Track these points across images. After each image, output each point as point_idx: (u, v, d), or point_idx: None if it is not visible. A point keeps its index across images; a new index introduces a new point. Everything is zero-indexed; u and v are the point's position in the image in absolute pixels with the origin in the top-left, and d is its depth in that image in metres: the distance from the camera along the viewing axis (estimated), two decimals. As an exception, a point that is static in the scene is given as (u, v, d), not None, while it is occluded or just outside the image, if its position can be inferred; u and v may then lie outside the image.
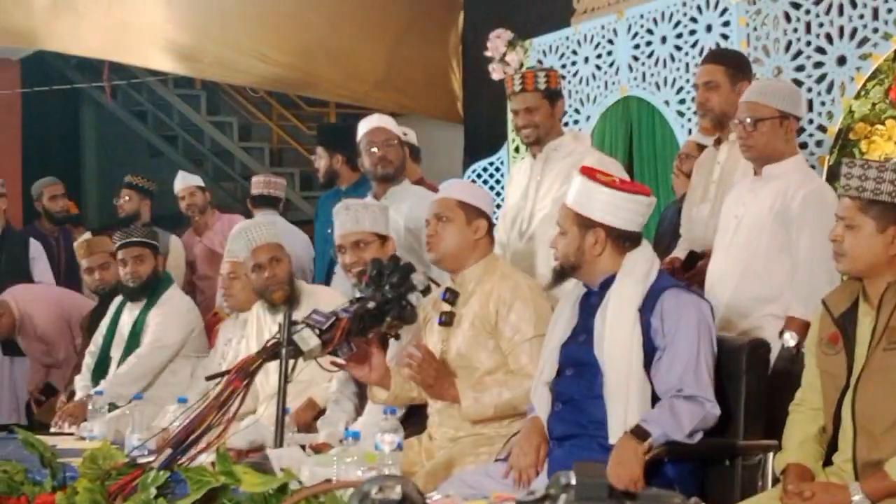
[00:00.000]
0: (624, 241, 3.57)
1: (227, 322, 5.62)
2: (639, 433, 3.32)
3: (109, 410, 5.17)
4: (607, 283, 3.56)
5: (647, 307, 3.46)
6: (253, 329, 5.11)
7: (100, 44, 8.90)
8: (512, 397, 3.88)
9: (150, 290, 5.92)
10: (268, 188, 7.20)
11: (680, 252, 4.78)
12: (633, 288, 3.49)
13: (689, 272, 4.59)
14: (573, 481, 1.55)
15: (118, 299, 6.14)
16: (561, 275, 3.67)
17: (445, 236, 4.09)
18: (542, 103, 4.87)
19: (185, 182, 7.78)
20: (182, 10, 9.15)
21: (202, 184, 7.88)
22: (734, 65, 4.64)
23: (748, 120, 4.14)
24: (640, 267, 3.54)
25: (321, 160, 6.33)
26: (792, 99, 4.20)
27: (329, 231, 5.79)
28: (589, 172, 3.63)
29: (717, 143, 4.75)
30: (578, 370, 3.54)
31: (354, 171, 6.06)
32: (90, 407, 4.92)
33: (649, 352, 3.44)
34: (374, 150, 5.32)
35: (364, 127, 5.47)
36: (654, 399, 3.43)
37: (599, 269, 3.58)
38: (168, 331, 5.78)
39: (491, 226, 4.18)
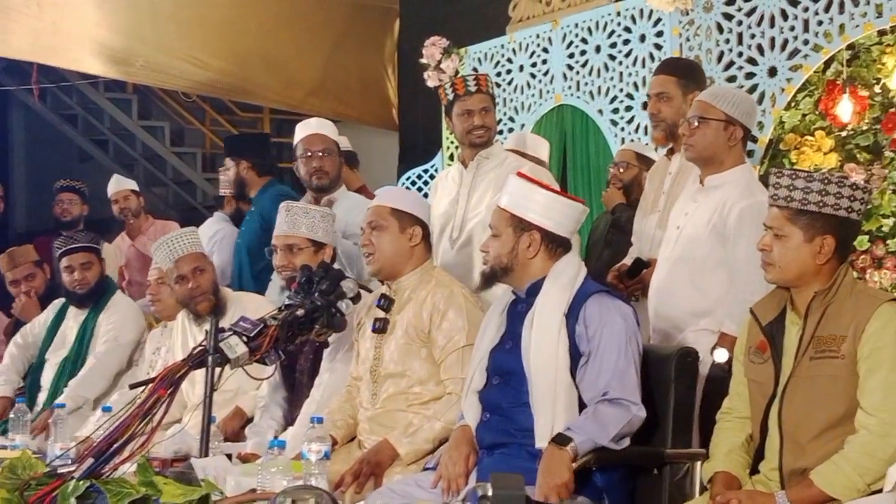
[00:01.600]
0: (557, 245, 3.58)
1: (154, 331, 5.54)
2: (561, 440, 3.30)
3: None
4: (534, 290, 3.56)
5: (572, 313, 3.46)
6: (178, 338, 5.03)
7: (29, 46, 8.76)
8: (444, 425, 3.84)
9: (98, 295, 5.85)
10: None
11: (627, 259, 4.79)
12: (559, 294, 3.49)
13: (633, 279, 4.59)
14: (490, 493, 1.52)
15: (58, 302, 6.04)
16: (490, 278, 3.65)
17: (381, 245, 4.05)
18: (493, 106, 4.90)
19: (119, 185, 7.69)
20: (114, 13, 9.04)
21: (136, 187, 7.79)
22: (686, 75, 4.63)
23: (694, 118, 4.13)
24: (567, 273, 3.54)
25: (229, 171, 6.20)
26: (743, 108, 4.16)
27: (239, 241, 5.96)
28: (526, 176, 3.64)
29: (670, 153, 4.73)
30: (505, 378, 3.53)
31: (261, 176, 6.09)
32: (11, 416, 4.81)
33: (575, 357, 3.44)
34: (312, 161, 5.26)
35: (301, 132, 5.41)
36: (582, 405, 3.42)
37: (529, 274, 3.58)
38: (123, 330, 5.73)
39: (427, 232, 4.15)
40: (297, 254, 4.50)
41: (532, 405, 3.44)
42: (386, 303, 4.06)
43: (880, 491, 2.94)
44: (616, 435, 3.33)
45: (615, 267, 4.72)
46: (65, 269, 5.87)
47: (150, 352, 5.46)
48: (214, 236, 6.29)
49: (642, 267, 4.53)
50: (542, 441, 3.39)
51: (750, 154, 5.97)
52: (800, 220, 3.17)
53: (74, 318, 5.93)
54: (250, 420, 4.71)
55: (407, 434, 3.86)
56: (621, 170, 6.11)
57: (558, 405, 3.40)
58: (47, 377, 5.90)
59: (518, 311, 3.60)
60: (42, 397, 5.76)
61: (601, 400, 3.37)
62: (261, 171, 6.09)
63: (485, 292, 4.11)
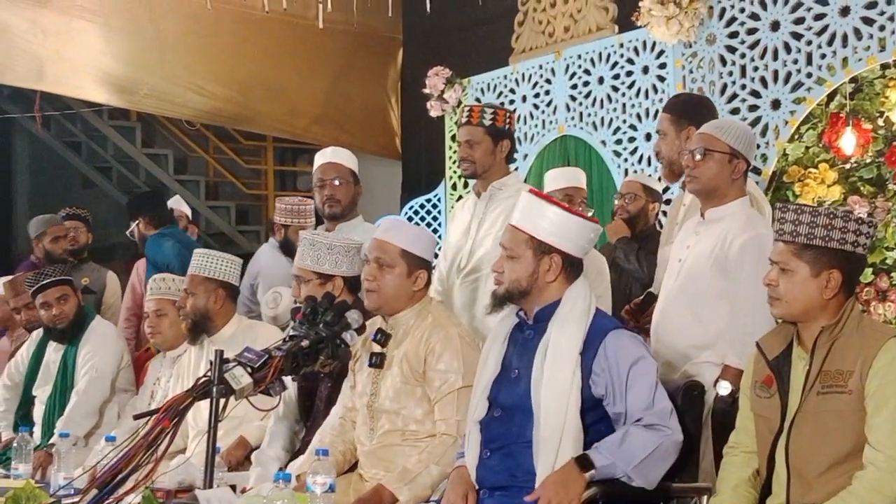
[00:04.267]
0: (574, 269, 3.53)
1: (155, 360, 5.54)
2: (583, 463, 3.27)
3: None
4: (543, 315, 3.49)
5: (587, 351, 3.40)
6: (189, 367, 5.04)
7: (33, 74, 8.78)
8: (441, 469, 3.79)
9: (77, 326, 5.87)
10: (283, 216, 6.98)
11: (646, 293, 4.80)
12: (575, 330, 3.43)
13: (644, 314, 4.58)
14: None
15: (37, 334, 6.05)
16: (504, 300, 3.56)
17: (384, 284, 4.01)
18: (485, 139, 4.86)
19: (180, 204, 7.90)
20: (118, 41, 9.06)
21: (189, 211, 7.87)
22: (679, 112, 4.60)
23: (698, 150, 4.13)
24: (580, 305, 3.47)
25: (132, 229, 6.79)
26: (746, 141, 4.16)
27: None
28: (539, 194, 3.59)
29: (685, 186, 4.73)
30: (508, 413, 3.47)
31: (155, 227, 6.69)
32: (15, 445, 4.80)
33: (587, 398, 3.39)
34: (325, 190, 5.28)
35: (318, 160, 5.42)
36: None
37: (544, 297, 3.51)
38: (102, 360, 5.73)
39: (430, 275, 4.12)
40: (303, 285, 4.51)
41: (535, 444, 3.38)
42: (382, 337, 4.03)
43: (888, 527, 2.93)
44: (643, 461, 3.27)
45: (631, 302, 4.73)
46: (41, 306, 5.89)
47: (151, 381, 5.46)
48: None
49: (653, 301, 4.53)
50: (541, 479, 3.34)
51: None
52: (806, 254, 3.17)
53: (55, 351, 5.93)
54: (254, 449, 4.69)
55: (406, 481, 3.80)
56: (627, 201, 6.10)
57: (564, 447, 3.34)
58: (38, 413, 5.91)
59: (526, 338, 3.53)
60: (36, 434, 5.73)
61: (635, 422, 3.34)
62: (157, 225, 6.69)
63: (482, 324, 4.08)
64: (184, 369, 5.08)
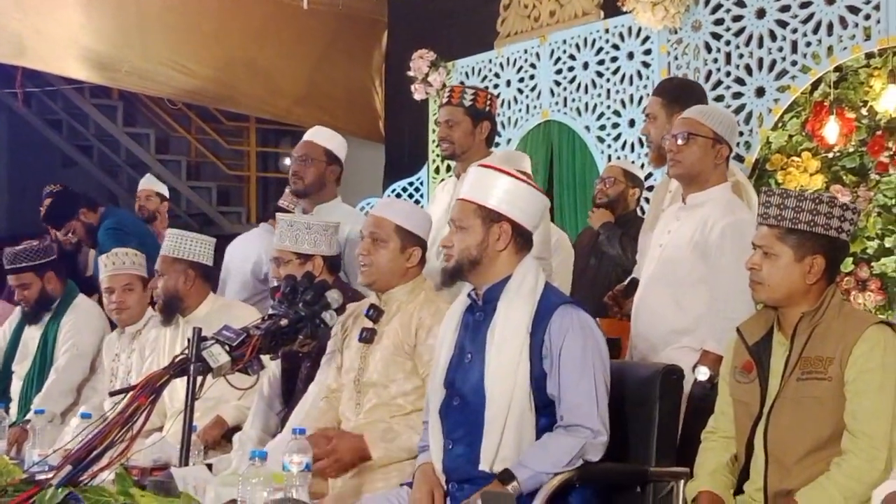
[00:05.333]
0: (523, 240, 3.45)
1: (110, 337, 5.49)
2: (505, 477, 3.21)
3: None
4: (492, 295, 3.42)
5: (536, 329, 3.33)
6: (164, 346, 5.02)
7: (13, 50, 8.71)
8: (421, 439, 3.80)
9: (44, 308, 5.90)
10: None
11: (629, 279, 4.79)
12: (522, 308, 3.35)
13: (627, 300, 4.57)
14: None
15: (18, 311, 6.05)
16: (454, 274, 3.47)
17: (378, 259, 3.99)
18: (464, 119, 4.85)
19: (146, 183, 7.86)
20: (100, 18, 8.99)
21: (165, 192, 7.89)
22: (669, 96, 4.60)
23: (681, 134, 4.12)
24: (529, 281, 3.39)
25: (75, 230, 6.80)
26: (728, 126, 4.17)
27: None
28: (488, 165, 3.53)
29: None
30: (465, 400, 3.39)
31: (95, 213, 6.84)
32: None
33: (538, 376, 3.31)
34: (293, 165, 5.27)
35: (304, 137, 5.43)
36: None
37: (495, 271, 3.43)
38: (82, 338, 5.71)
39: (424, 252, 4.09)
40: (282, 266, 4.49)
41: (484, 427, 3.31)
42: (375, 313, 4.01)
43: (865, 514, 2.93)
44: (567, 465, 3.22)
45: (615, 288, 4.72)
46: (14, 286, 5.97)
47: (109, 359, 5.41)
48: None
49: (637, 287, 4.52)
50: (484, 464, 3.30)
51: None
52: (790, 238, 3.16)
53: (36, 328, 5.93)
54: (231, 430, 4.67)
55: (385, 439, 3.81)
56: (607, 185, 6.10)
57: (509, 429, 3.28)
58: (16, 389, 5.89)
59: (476, 320, 3.46)
60: (13, 410, 5.71)
61: (557, 426, 3.28)
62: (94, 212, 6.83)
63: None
64: (158, 347, 5.05)
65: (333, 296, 3.88)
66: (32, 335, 5.92)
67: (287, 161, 5.38)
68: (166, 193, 7.93)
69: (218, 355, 3.51)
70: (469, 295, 3.52)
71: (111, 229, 6.79)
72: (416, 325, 3.91)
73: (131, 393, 3.35)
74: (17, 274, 5.90)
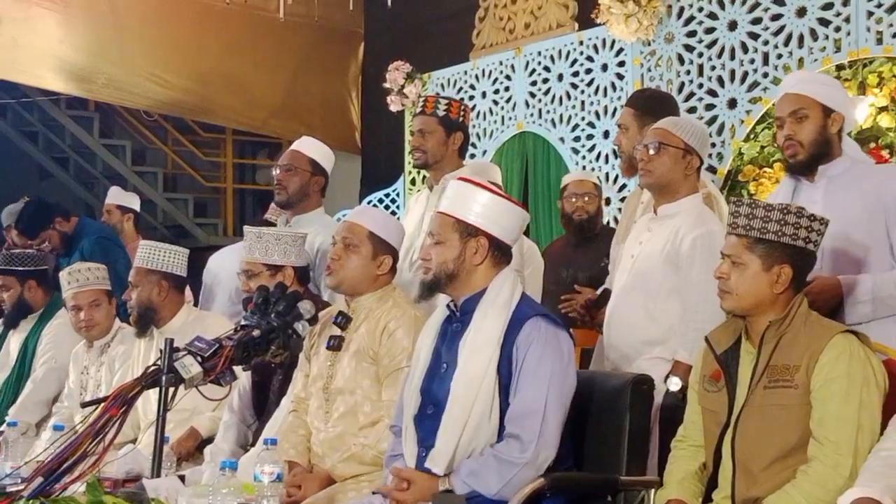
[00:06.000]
0: (501, 254, 3.48)
1: (77, 350, 5.47)
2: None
3: None
4: (469, 306, 3.44)
5: (508, 339, 3.35)
6: (139, 356, 5.02)
7: (-11, 62, 8.69)
8: (375, 454, 3.81)
9: (20, 315, 5.95)
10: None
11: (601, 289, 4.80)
12: (495, 319, 3.37)
13: (599, 310, 4.58)
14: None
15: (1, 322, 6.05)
16: (432, 287, 3.49)
17: (348, 265, 4.01)
18: (437, 129, 4.88)
19: (110, 197, 7.84)
20: (77, 30, 8.99)
21: (128, 204, 7.85)
22: (642, 107, 4.60)
23: (652, 144, 4.14)
24: (504, 293, 3.42)
25: (51, 239, 6.72)
26: (699, 138, 4.18)
27: None
28: (468, 180, 3.54)
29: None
30: (440, 409, 3.39)
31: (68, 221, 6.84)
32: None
33: (506, 386, 3.32)
34: (276, 175, 5.25)
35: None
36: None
37: (472, 284, 3.45)
38: (61, 351, 5.68)
39: (395, 262, 4.12)
40: (252, 278, 4.49)
41: (441, 424, 3.33)
42: (343, 320, 4.03)
43: (831, 521, 2.95)
44: (504, 487, 3.23)
45: (586, 298, 4.72)
46: None
47: (77, 372, 5.40)
48: None
49: (609, 298, 4.54)
50: (434, 463, 3.31)
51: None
52: (758, 248, 3.19)
53: (18, 336, 5.96)
54: (205, 441, 4.67)
55: (342, 460, 3.85)
56: (586, 201, 6.12)
57: (466, 434, 3.30)
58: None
59: (453, 330, 3.48)
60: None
61: (495, 444, 3.30)
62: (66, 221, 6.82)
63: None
64: (132, 359, 5.05)
65: (306, 306, 3.89)
66: (15, 344, 5.92)
67: (274, 172, 5.34)
68: (134, 206, 7.85)
69: (190, 366, 3.52)
70: (448, 306, 3.55)
71: (103, 238, 6.83)
72: (380, 331, 3.93)
73: (103, 404, 3.35)
74: (1, 275, 5.93)
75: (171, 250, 5.02)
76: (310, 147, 5.31)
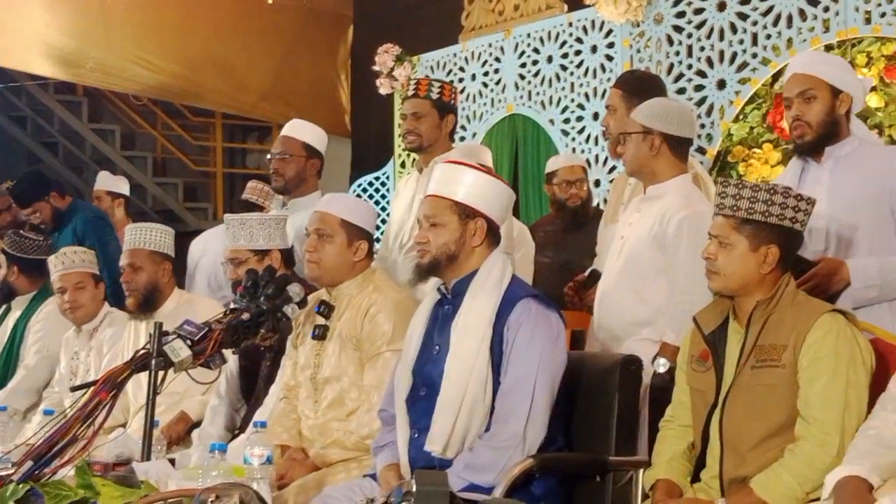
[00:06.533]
0: (494, 235, 3.50)
1: (68, 336, 5.46)
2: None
3: None
4: (460, 288, 3.45)
5: (499, 319, 3.36)
6: (130, 339, 5.01)
7: (-24, 47, 8.66)
8: (356, 440, 3.83)
9: (8, 297, 5.98)
10: (254, 194, 6.97)
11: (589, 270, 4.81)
12: (486, 300, 3.38)
13: (588, 291, 4.59)
14: (414, 489, 1.53)
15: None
16: (430, 270, 3.48)
17: (324, 256, 4.01)
18: (431, 112, 4.88)
19: (98, 183, 7.82)
20: (64, 14, 8.96)
21: (117, 190, 7.81)
22: (629, 89, 4.58)
23: (620, 137, 4.17)
24: (495, 273, 3.43)
25: (42, 211, 6.75)
26: (658, 116, 4.12)
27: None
28: (456, 161, 3.55)
29: None
30: (433, 391, 3.40)
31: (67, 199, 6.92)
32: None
33: (497, 367, 3.34)
34: (272, 163, 5.24)
35: (282, 131, 5.39)
36: None
37: (468, 265, 3.46)
38: (54, 340, 5.66)
39: (371, 245, 4.12)
40: (239, 265, 4.49)
41: (436, 406, 3.34)
42: (326, 309, 4.03)
43: (818, 499, 2.96)
44: (500, 474, 3.24)
45: (574, 280, 4.73)
46: None
47: (68, 357, 5.40)
48: None
49: (598, 279, 4.54)
50: (432, 444, 3.32)
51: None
52: (745, 228, 3.20)
53: (11, 320, 5.98)
54: (195, 424, 4.68)
55: (324, 446, 3.87)
56: (578, 188, 6.16)
57: (462, 414, 3.30)
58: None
59: (445, 313, 3.49)
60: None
61: (483, 435, 3.31)
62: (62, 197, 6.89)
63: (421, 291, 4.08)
64: (121, 343, 5.05)
65: (295, 289, 3.89)
66: (8, 326, 5.94)
67: (268, 159, 5.33)
68: (123, 191, 7.84)
69: (179, 350, 3.52)
70: (438, 289, 3.55)
71: (97, 218, 6.88)
72: (363, 316, 3.94)
73: (92, 388, 3.36)
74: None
75: (164, 231, 5.03)
76: (302, 131, 5.30)
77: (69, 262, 5.32)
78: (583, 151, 7.22)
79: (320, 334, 4.01)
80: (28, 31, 8.81)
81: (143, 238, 4.94)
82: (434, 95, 4.91)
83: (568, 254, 5.97)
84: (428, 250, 3.46)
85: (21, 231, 6.26)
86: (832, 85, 3.89)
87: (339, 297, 4.05)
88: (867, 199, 3.80)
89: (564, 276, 5.37)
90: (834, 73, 3.94)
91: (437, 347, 3.46)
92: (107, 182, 7.79)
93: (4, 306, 6.04)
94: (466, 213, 3.45)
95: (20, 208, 6.87)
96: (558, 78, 7.47)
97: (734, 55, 6.38)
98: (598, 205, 6.62)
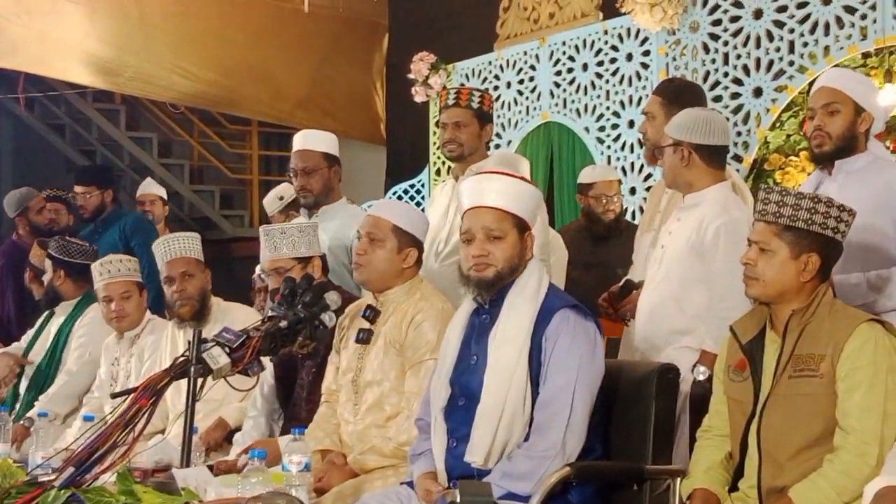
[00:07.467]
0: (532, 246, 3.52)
1: (108, 341, 5.49)
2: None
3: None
4: (497, 298, 3.45)
5: (538, 330, 3.36)
6: (167, 345, 5.05)
7: (16, 55, 8.74)
8: (395, 447, 3.84)
9: (50, 302, 6.04)
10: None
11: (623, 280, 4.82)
12: (524, 310, 3.38)
13: (622, 301, 4.59)
14: (458, 499, 1.53)
15: (47, 313, 6.15)
16: (494, 283, 3.43)
17: (374, 259, 4.02)
18: (472, 122, 4.89)
19: (147, 188, 8.00)
20: (103, 23, 9.03)
21: (165, 195, 7.97)
22: (669, 96, 4.59)
23: (657, 151, 4.23)
24: (532, 283, 3.43)
25: (93, 197, 7.05)
26: (686, 126, 4.15)
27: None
28: (508, 173, 3.54)
29: None
30: (472, 400, 3.40)
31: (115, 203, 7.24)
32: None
33: (536, 378, 3.34)
34: (298, 180, 5.19)
35: (295, 144, 5.31)
36: None
37: (516, 276, 3.47)
38: (95, 345, 5.69)
39: (420, 254, 4.12)
40: (285, 274, 4.50)
41: (476, 417, 3.34)
42: (371, 314, 4.05)
43: (857, 509, 2.95)
44: (537, 483, 3.23)
45: (609, 291, 4.74)
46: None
47: (108, 363, 5.42)
48: None
49: (632, 289, 4.54)
50: (472, 455, 3.32)
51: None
52: (787, 235, 3.19)
53: (57, 320, 6.02)
54: (233, 431, 4.70)
55: (362, 452, 3.88)
56: (615, 202, 6.23)
57: (503, 425, 3.30)
58: (24, 386, 5.96)
59: (482, 322, 3.49)
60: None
61: (522, 444, 3.31)
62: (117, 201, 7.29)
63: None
64: (159, 350, 5.08)
65: (332, 297, 3.91)
66: (50, 331, 5.98)
67: (291, 176, 5.33)
68: (165, 196, 8.01)
69: (218, 357, 3.54)
70: (475, 298, 3.54)
71: (144, 219, 7.23)
72: (408, 323, 3.95)
73: (132, 395, 3.39)
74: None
75: (196, 238, 5.06)
76: (317, 141, 5.26)
77: (115, 270, 5.33)
78: (618, 159, 7.22)
79: (364, 338, 4.02)
80: (67, 41, 8.89)
81: (184, 247, 4.95)
82: (475, 105, 4.92)
83: (599, 264, 5.99)
84: (491, 263, 3.42)
85: (67, 236, 6.31)
86: (857, 102, 3.98)
87: (386, 302, 4.06)
88: (870, 212, 3.80)
89: (595, 286, 5.37)
90: (860, 91, 4.03)
91: (475, 357, 3.46)
92: (154, 187, 7.97)
93: (48, 312, 6.09)
94: (523, 225, 3.46)
95: (78, 185, 7.06)
96: (593, 86, 7.47)
97: (770, 63, 6.36)
98: (633, 213, 6.63)
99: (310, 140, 5.28)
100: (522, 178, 3.57)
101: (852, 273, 3.86)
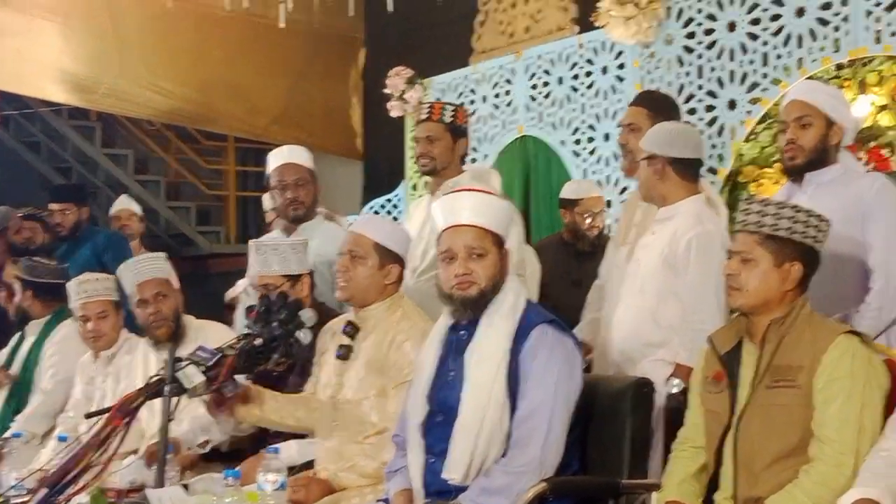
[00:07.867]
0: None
1: (84, 360, 5.43)
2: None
3: None
4: (475, 313, 3.44)
5: (516, 347, 3.35)
6: (140, 366, 5.01)
7: (-9, 73, 8.71)
8: (376, 466, 3.81)
9: (22, 322, 6.04)
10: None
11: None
12: (502, 327, 3.37)
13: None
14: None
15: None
16: (478, 301, 3.41)
17: (356, 276, 4.00)
18: (445, 136, 4.89)
19: (123, 204, 7.98)
20: (78, 41, 9.00)
21: (140, 212, 7.97)
22: (655, 108, 4.63)
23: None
24: (510, 299, 3.42)
25: (70, 214, 7.02)
26: (663, 141, 4.21)
27: None
28: (480, 190, 3.54)
29: None
30: (449, 417, 3.38)
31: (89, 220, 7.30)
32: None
33: (515, 394, 3.33)
34: (286, 191, 5.13)
35: (274, 161, 5.23)
36: None
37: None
38: (68, 363, 5.65)
39: (402, 270, 4.11)
40: (274, 292, 4.47)
41: (453, 434, 3.33)
42: (352, 329, 4.04)
43: (833, 521, 2.95)
44: (514, 499, 3.23)
45: None
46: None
47: (84, 382, 5.36)
48: None
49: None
50: (450, 472, 3.31)
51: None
52: (770, 244, 3.20)
53: (27, 345, 5.98)
54: (211, 450, 4.67)
55: (343, 469, 3.86)
56: (598, 220, 6.25)
57: (481, 442, 3.29)
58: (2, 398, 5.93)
59: (459, 338, 3.47)
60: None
61: (500, 460, 3.30)
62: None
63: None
64: (134, 370, 5.04)
65: (308, 314, 3.88)
66: (22, 353, 5.95)
67: (280, 191, 5.23)
68: (141, 213, 8.00)
69: (192, 376, 3.52)
70: (452, 314, 3.53)
71: (118, 236, 7.24)
72: (389, 342, 3.93)
73: (107, 415, 3.37)
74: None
75: (164, 258, 5.01)
76: (305, 157, 5.21)
77: (92, 289, 5.28)
78: (594, 173, 7.22)
79: (344, 354, 4.01)
80: (42, 58, 8.85)
81: (154, 268, 4.92)
82: (447, 119, 4.91)
83: (587, 280, 6.00)
84: (475, 282, 3.41)
85: (34, 257, 6.28)
86: (828, 115, 4.02)
87: (366, 318, 4.04)
88: (840, 222, 3.82)
89: (576, 300, 5.38)
90: (831, 104, 4.07)
91: (451, 373, 3.45)
92: (131, 203, 7.99)
93: (19, 334, 6.05)
94: (500, 242, 3.46)
95: (54, 202, 7.05)
96: (569, 99, 7.48)
97: (745, 75, 6.37)
98: (609, 226, 6.64)
99: (296, 154, 5.25)
100: (493, 194, 3.55)
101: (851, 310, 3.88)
